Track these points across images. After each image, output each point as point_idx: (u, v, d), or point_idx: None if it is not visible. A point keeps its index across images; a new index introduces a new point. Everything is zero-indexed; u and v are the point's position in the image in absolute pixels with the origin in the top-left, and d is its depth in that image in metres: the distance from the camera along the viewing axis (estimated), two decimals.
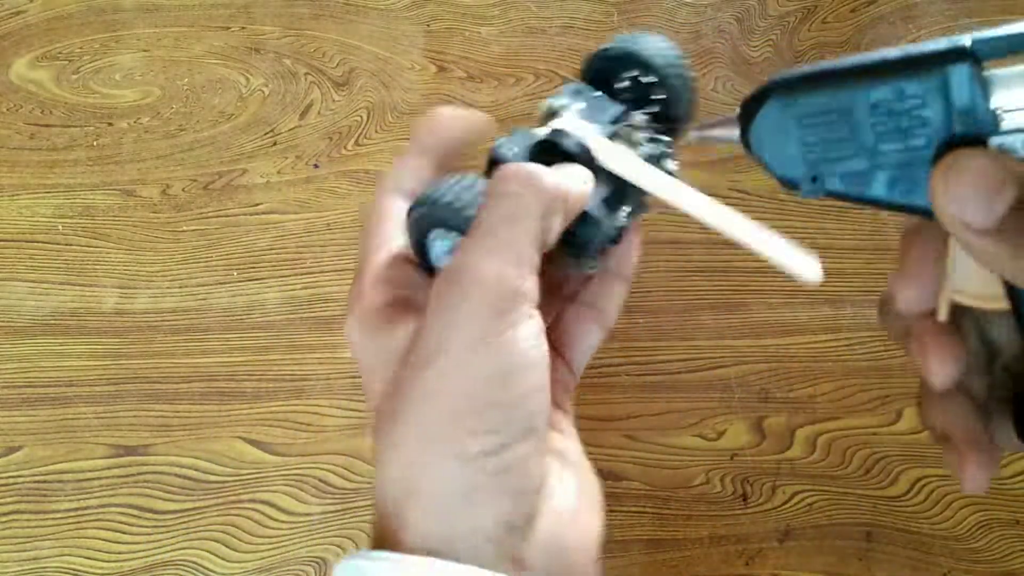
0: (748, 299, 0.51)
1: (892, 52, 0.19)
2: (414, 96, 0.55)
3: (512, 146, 0.28)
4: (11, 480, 0.48)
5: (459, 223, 0.25)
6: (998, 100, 0.17)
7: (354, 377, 0.50)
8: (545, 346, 0.24)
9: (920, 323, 0.21)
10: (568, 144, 0.27)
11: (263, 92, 0.55)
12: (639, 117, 0.29)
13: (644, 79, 0.30)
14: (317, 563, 0.47)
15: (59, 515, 0.47)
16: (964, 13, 0.58)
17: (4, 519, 0.47)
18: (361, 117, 0.55)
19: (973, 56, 0.17)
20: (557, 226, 0.25)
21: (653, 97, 0.30)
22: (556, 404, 0.29)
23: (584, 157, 0.27)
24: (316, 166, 0.54)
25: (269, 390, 0.49)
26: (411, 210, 0.26)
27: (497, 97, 0.55)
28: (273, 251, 0.52)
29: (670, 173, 0.28)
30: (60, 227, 0.52)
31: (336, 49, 0.56)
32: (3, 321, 0.50)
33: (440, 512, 0.22)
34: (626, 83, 0.30)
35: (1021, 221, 0.17)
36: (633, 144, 0.28)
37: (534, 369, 0.23)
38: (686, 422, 0.49)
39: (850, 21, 0.58)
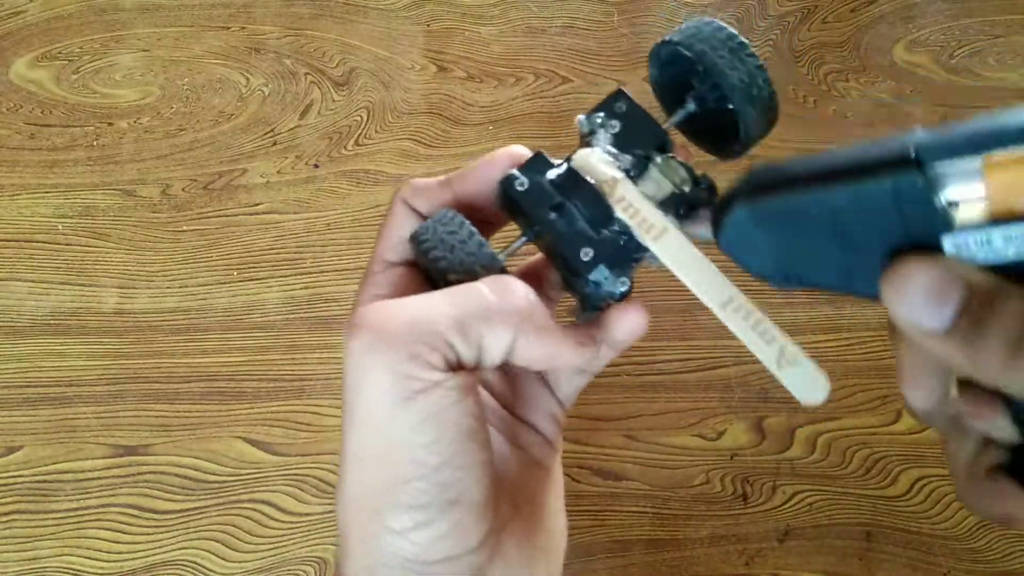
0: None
1: (846, 156, 0.19)
2: (414, 96, 0.55)
3: (524, 180, 0.25)
4: (11, 480, 0.48)
5: (449, 267, 0.24)
6: (946, 198, 0.18)
7: None
8: (469, 417, 0.22)
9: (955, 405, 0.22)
10: (564, 181, 0.25)
11: (263, 92, 0.55)
12: (686, 155, 0.26)
13: (710, 95, 0.26)
14: (317, 563, 0.47)
15: (59, 515, 0.47)
16: (964, 13, 0.58)
17: (4, 519, 0.47)
18: (361, 117, 0.55)
19: (918, 162, 0.18)
20: (498, 339, 0.23)
21: (716, 111, 0.26)
22: (544, 437, 0.29)
23: (587, 195, 0.25)
24: (316, 166, 0.54)
25: (269, 390, 0.49)
26: (412, 238, 0.26)
27: (497, 97, 0.55)
28: (273, 251, 0.52)
29: (694, 234, 0.25)
30: (60, 227, 0.52)
31: (336, 49, 0.56)
32: (3, 321, 0.50)
33: None
34: (689, 101, 0.27)
35: (969, 322, 0.18)
36: (668, 178, 0.25)
37: (453, 439, 0.22)
38: (686, 422, 0.49)
39: (850, 21, 0.58)
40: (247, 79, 0.55)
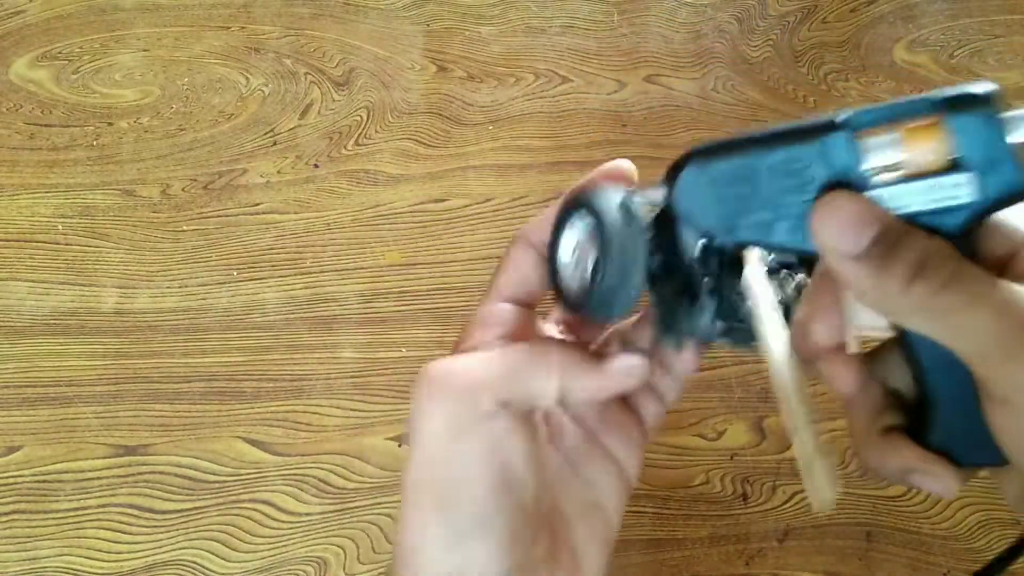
0: None
1: (787, 125, 0.23)
2: (414, 96, 0.55)
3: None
4: (11, 480, 0.48)
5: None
6: (868, 161, 0.22)
7: (353, 377, 0.50)
8: (514, 453, 0.25)
9: (830, 351, 0.25)
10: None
11: (263, 92, 0.55)
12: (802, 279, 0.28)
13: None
14: (317, 563, 0.47)
15: (59, 515, 0.47)
16: (964, 13, 0.58)
17: (4, 519, 0.47)
18: (361, 117, 0.55)
19: (847, 127, 0.22)
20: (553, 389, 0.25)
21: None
22: (618, 464, 0.30)
23: (736, 266, 0.27)
24: (316, 166, 0.54)
25: (269, 390, 0.49)
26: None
27: (497, 97, 0.55)
28: (273, 251, 0.52)
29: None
30: (60, 227, 0.52)
31: (336, 49, 0.56)
32: (3, 321, 0.50)
33: None
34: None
35: (881, 250, 0.21)
36: (782, 289, 0.27)
37: (489, 473, 0.25)
38: (686, 422, 0.49)
39: (850, 21, 0.58)
40: (247, 79, 0.55)
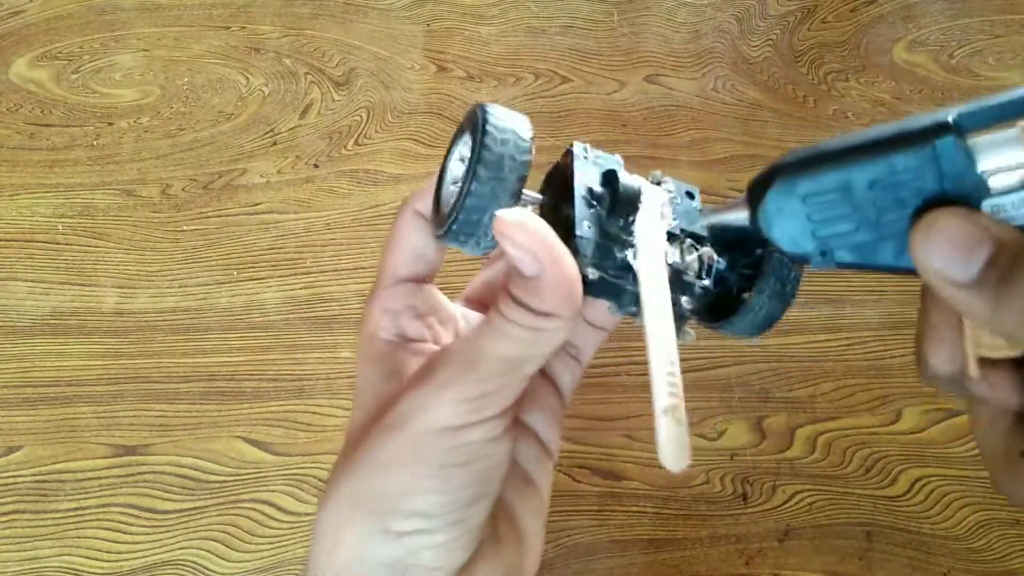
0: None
1: (883, 130, 0.20)
2: (414, 96, 0.55)
3: (585, 154, 0.26)
4: (11, 480, 0.48)
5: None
6: (984, 164, 0.19)
7: (353, 377, 0.50)
8: (500, 453, 0.24)
9: (987, 372, 0.22)
10: (627, 189, 0.25)
11: (263, 92, 0.55)
12: (711, 259, 0.26)
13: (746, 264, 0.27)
14: None
15: (59, 515, 0.47)
16: (964, 13, 0.58)
17: (4, 519, 0.47)
18: (361, 117, 0.55)
19: (957, 128, 0.19)
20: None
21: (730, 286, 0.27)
22: (543, 445, 0.29)
23: (625, 208, 0.25)
24: (316, 166, 0.54)
25: (269, 390, 0.49)
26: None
27: (497, 97, 0.55)
28: (273, 251, 0.52)
29: (676, 309, 0.25)
30: (60, 227, 0.52)
31: (336, 49, 0.56)
32: (3, 321, 0.50)
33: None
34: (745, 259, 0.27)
35: (997, 275, 0.18)
36: (683, 261, 0.25)
37: (484, 469, 0.23)
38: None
39: (850, 21, 0.58)
40: (247, 79, 0.55)
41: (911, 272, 0.21)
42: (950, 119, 0.19)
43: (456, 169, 0.26)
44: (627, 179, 0.25)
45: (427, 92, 0.55)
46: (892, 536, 0.48)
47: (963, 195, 0.19)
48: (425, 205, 0.27)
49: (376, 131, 0.54)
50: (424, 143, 0.54)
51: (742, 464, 0.49)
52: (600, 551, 0.47)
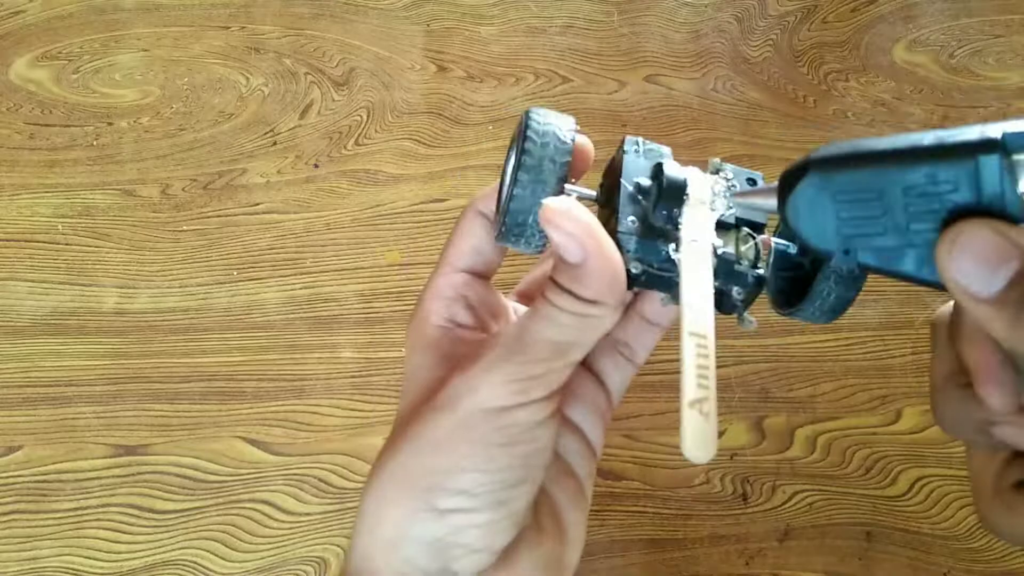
0: None
1: (926, 137, 0.20)
2: (414, 96, 0.55)
3: (636, 148, 0.26)
4: (11, 480, 0.48)
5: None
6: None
7: (353, 377, 0.50)
8: (544, 438, 0.24)
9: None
10: (672, 181, 0.25)
11: (263, 92, 0.55)
12: (766, 243, 0.26)
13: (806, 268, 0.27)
14: (317, 563, 0.47)
15: (59, 515, 0.47)
16: (964, 13, 0.58)
17: (4, 519, 0.47)
18: (361, 117, 0.55)
19: (1004, 148, 0.18)
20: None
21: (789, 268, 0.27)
22: (587, 441, 0.29)
23: (670, 200, 0.25)
24: (316, 166, 0.54)
25: (269, 390, 0.49)
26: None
27: (497, 96, 0.55)
28: (273, 251, 0.52)
29: (727, 299, 0.25)
30: (60, 227, 0.52)
31: (336, 49, 0.56)
32: (3, 321, 0.50)
33: (402, 555, 0.24)
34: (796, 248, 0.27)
35: (1020, 293, 0.18)
36: (736, 245, 0.25)
37: (528, 453, 0.24)
38: None
39: (850, 21, 0.58)
40: (247, 79, 0.55)
41: (932, 285, 0.20)
42: (999, 136, 0.18)
43: (508, 173, 0.26)
44: (673, 171, 0.25)
45: (427, 92, 0.55)
46: (892, 536, 0.48)
47: (999, 215, 0.19)
48: (488, 206, 0.27)
49: (376, 131, 0.54)
50: (424, 143, 0.54)
51: (742, 464, 0.49)
52: (600, 551, 0.47)
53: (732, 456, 0.49)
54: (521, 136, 0.24)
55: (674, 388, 0.49)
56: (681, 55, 0.57)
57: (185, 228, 0.52)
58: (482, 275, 0.28)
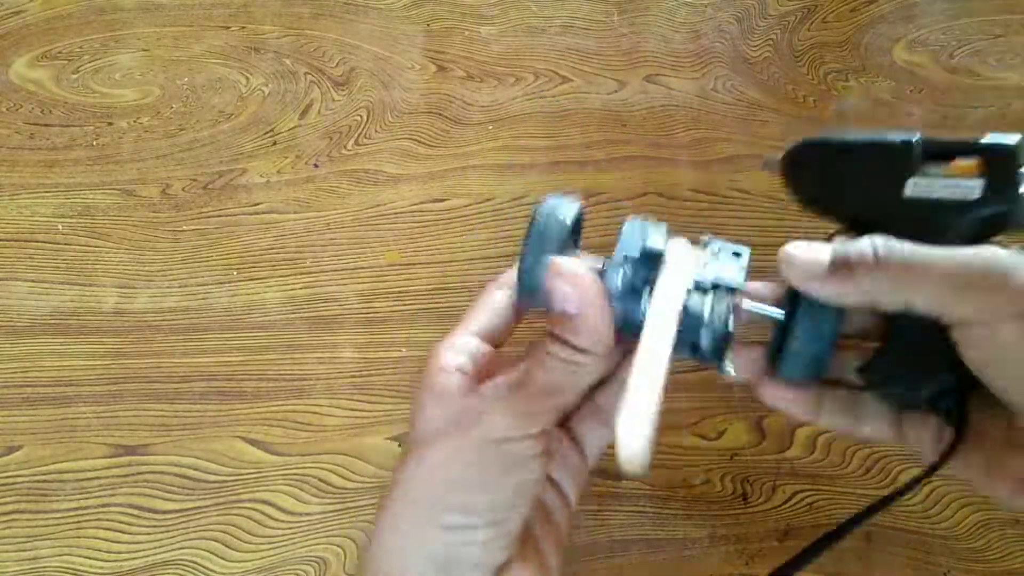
0: None
1: (875, 131, 0.31)
2: (414, 96, 0.55)
3: (631, 228, 0.31)
4: (11, 480, 0.48)
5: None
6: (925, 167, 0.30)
7: (353, 377, 0.50)
8: (535, 469, 0.29)
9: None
10: (649, 251, 0.30)
11: (263, 92, 0.55)
12: (738, 305, 0.30)
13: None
14: (317, 563, 0.47)
15: (59, 515, 0.47)
16: (964, 13, 0.58)
17: (4, 519, 0.47)
18: (361, 117, 0.55)
19: (910, 143, 0.30)
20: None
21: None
22: (565, 497, 0.34)
23: (648, 266, 0.30)
24: (316, 166, 0.54)
25: (269, 390, 0.49)
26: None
27: (497, 97, 0.55)
28: (273, 251, 0.52)
29: (692, 348, 0.30)
30: (60, 227, 0.52)
31: (336, 49, 0.56)
32: (3, 321, 0.50)
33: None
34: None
35: (838, 265, 0.27)
36: (710, 304, 0.30)
37: (521, 482, 0.29)
38: (686, 422, 0.49)
39: (850, 21, 0.58)
40: (247, 79, 0.55)
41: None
42: (912, 138, 0.30)
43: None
44: (654, 243, 0.30)
45: (427, 92, 0.55)
46: (892, 536, 0.48)
47: (901, 175, 0.30)
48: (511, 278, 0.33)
49: (376, 131, 0.54)
50: (424, 143, 0.54)
51: (742, 464, 0.49)
52: (600, 551, 0.47)
53: (732, 456, 0.49)
54: (530, 221, 0.31)
55: (674, 389, 0.49)
56: (681, 55, 0.57)
57: (185, 228, 0.52)
58: (492, 341, 0.32)
